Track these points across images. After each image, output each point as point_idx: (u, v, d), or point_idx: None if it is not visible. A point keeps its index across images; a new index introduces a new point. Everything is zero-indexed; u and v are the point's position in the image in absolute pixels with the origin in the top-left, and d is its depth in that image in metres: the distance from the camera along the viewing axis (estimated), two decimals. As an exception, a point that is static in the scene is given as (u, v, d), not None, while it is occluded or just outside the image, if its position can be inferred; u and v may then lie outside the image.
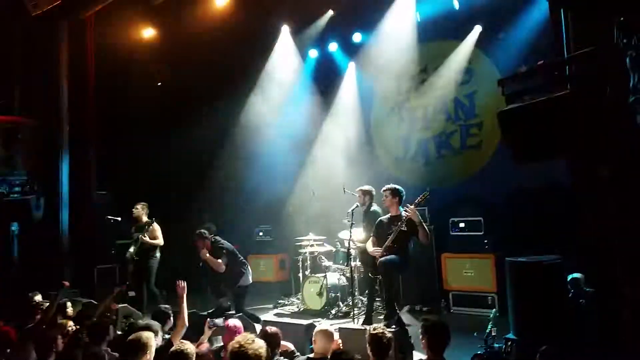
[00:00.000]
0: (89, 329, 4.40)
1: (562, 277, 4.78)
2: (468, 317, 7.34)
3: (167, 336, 4.73)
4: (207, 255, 7.04)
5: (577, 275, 4.98)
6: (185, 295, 4.76)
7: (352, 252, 6.88)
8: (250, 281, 7.29)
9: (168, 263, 9.22)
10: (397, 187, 6.42)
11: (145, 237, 7.65)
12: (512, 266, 4.80)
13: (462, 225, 7.72)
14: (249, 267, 7.37)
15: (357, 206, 6.94)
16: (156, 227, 7.83)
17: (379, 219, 6.48)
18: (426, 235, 5.92)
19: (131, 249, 7.71)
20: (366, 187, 7.12)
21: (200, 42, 9.75)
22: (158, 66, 10.90)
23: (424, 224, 5.95)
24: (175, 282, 4.97)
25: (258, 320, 6.59)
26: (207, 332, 4.78)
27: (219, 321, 4.89)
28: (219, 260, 6.99)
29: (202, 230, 7.32)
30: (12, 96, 9.59)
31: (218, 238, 7.35)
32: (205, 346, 4.49)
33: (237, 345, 3.06)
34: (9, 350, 4.60)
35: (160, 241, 7.85)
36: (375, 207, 6.99)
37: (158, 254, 7.89)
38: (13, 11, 9.13)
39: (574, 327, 4.66)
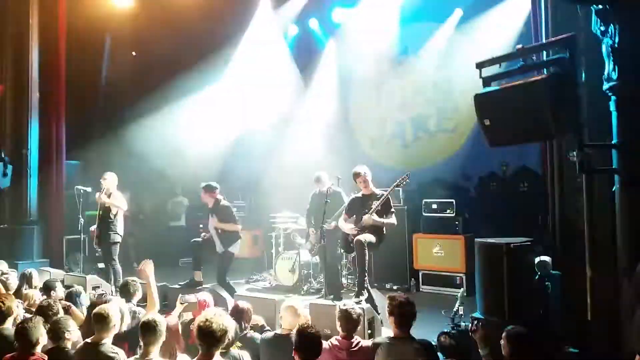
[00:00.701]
0: None
1: (529, 259, 4.88)
2: (437, 296, 7.49)
3: (137, 308, 4.69)
4: (220, 224, 6.86)
5: (544, 257, 5.09)
6: (151, 276, 4.64)
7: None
8: (238, 251, 7.13)
9: (140, 236, 9.13)
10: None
11: (101, 197, 7.24)
12: (480, 247, 4.87)
13: (434, 206, 7.81)
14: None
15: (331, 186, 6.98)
16: (119, 195, 7.37)
17: (353, 197, 6.48)
18: (391, 226, 6.05)
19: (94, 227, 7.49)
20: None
21: (177, 12, 9.49)
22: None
23: (384, 222, 5.96)
24: (148, 256, 4.88)
25: (233, 292, 6.60)
26: (179, 307, 4.75)
27: (190, 297, 4.85)
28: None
29: (209, 183, 7.09)
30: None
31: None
32: (173, 318, 4.47)
33: (204, 320, 3.06)
34: None
35: (123, 205, 7.30)
36: (336, 187, 7.10)
37: (119, 228, 7.37)
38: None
39: (540, 309, 4.78)
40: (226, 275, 7.00)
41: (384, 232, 6.07)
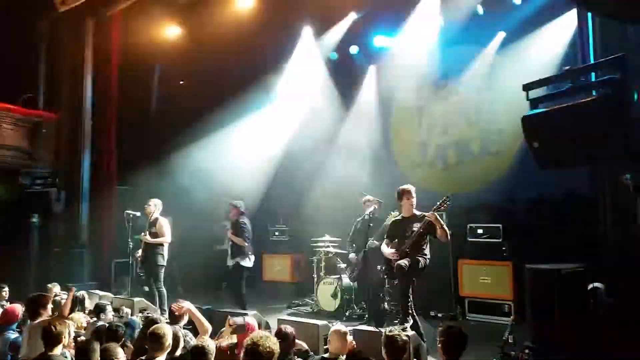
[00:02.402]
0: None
1: (582, 286, 4.70)
2: (484, 324, 7.27)
3: (186, 331, 4.75)
4: (232, 236, 7.88)
5: (598, 284, 4.90)
6: (192, 308, 4.77)
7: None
8: (251, 265, 7.90)
9: (185, 259, 9.29)
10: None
11: (145, 235, 7.61)
12: (531, 273, 4.75)
13: (480, 231, 7.64)
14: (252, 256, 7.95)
15: (375, 209, 6.98)
16: (163, 222, 7.68)
17: (393, 220, 6.40)
18: (446, 235, 5.81)
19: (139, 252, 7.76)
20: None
21: (224, 42, 9.82)
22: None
23: (444, 226, 5.82)
24: (192, 279, 4.99)
25: (245, 307, 7.17)
26: (228, 330, 4.79)
27: (239, 319, 4.90)
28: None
29: (235, 202, 8.05)
30: (37, 91, 9.77)
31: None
32: (225, 342, 4.51)
33: (251, 342, 3.11)
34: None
35: (166, 238, 7.65)
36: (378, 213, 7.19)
37: (165, 252, 7.69)
38: (40, 7, 9.31)
39: (594, 337, 4.58)
40: (242, 289, 7.63)
41: (427, 254, 5.92)
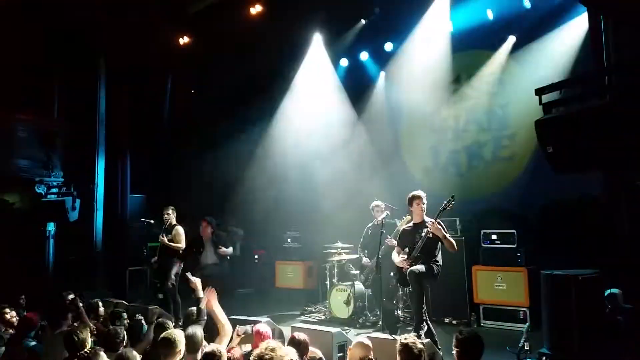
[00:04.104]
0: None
1: (599, 292, 4.64)
2: (499, 331, 7.20)
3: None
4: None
5: (615, 290, 4.84)
6: (216, 307, 4.79)
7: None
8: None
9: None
10: None
11: (163, 237, 7.67)
12: (547, 279, 4.70)
13: (494, 237, 7.57)
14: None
15: (387, 216, 6.99)
16: (180, 230, 7.80)
17: (403, 227, 6.38)
18: (452, 245, 5.78)
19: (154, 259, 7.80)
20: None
21: (234, 50, 9.91)
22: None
23: (447, 237, 5.80)
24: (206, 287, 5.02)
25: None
26: (236, 339, 4.80)
27: (248, 328, 4.90)
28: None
29: (209, 218, 8.01)
30: (52, 101, 9.90)
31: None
32: (237, 351, 4.50)
33: (262, 351, 3.08)
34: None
35: (181, 245, 7.75)
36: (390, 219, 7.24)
37: (179, 261, 7.77)
38: (56, 17, 9.46)
39: (612, 344, 4.51)
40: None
41: (438, 260, 5.88)
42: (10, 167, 8.93)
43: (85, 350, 3.94)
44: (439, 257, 5.89)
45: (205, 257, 7.85)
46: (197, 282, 5.20)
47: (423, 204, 5.93)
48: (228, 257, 8.07)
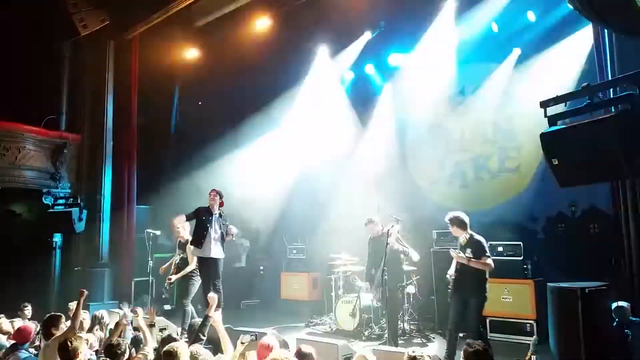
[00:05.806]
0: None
1: (606, 305, 4.61)
2: (506, 344, 7.13)
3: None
4: None
5: (622, 303, 4.80)
6: (220, 325, 4.84)
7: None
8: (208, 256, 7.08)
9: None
10: None
11: (176, 261, 7.63)
12: (554, 292, 4.67)
13: (500, 249, 7.53)
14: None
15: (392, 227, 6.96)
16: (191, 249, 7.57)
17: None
18: (483, 265, 5.73)
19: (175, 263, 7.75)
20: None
21: (240, 62, 10.00)
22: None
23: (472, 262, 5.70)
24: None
25: None
26: (239, 347, 4.78)
27: (249, 337, 4.89)
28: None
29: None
30: (59, 112, 10.00)
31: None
32: (238, 360, 4.50)
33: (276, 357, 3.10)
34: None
35: (192, 266, 7.49)
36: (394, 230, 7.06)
37: (197, 273, 7.55)
38: (62, 30, 9.59)
39: (620, 358, 4.48)
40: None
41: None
42: (18, 179, 9.01)
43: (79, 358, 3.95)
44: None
45: (208, 243, 7.03)
46: (214, 299, 5.26)
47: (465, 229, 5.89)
48: (232, 237, 7.66)
